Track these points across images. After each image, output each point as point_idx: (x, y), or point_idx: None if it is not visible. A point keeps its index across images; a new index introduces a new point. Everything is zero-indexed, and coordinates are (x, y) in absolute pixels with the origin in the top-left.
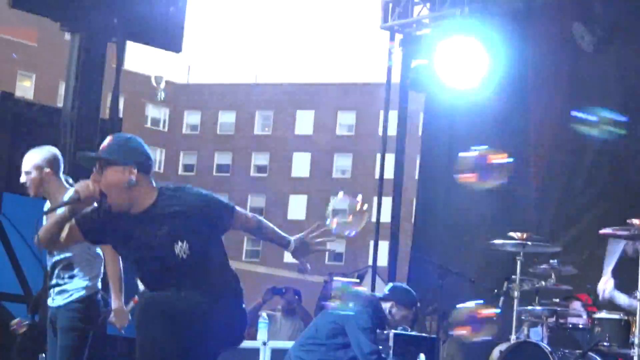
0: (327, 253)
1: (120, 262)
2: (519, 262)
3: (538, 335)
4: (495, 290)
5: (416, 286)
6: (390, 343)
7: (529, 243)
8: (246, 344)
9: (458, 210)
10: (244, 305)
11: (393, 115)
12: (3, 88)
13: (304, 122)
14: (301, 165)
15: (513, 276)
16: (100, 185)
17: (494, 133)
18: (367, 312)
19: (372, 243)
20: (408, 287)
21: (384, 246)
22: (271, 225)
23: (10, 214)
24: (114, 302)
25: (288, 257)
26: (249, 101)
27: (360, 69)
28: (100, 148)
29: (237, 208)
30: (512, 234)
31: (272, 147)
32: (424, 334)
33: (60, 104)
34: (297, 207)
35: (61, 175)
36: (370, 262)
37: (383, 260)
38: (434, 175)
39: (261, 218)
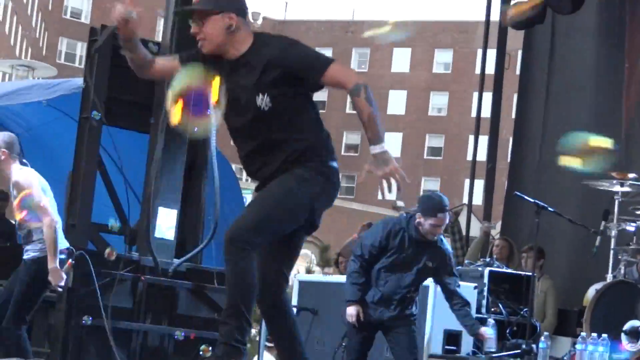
0: (421, 190)
1: (57, 229)
2: (616, 201)
3: (634, 275)
4: (592, 230)
5: (512, 225)
6: (485, 280)
7: (628, 182)
8: (340, 278)
9: (555, 149)
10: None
11: (491, 54)
12: (103, 23)
13: (401, 60)
14: (397, 102)
15: (610, 215)
16: (201, 36)
17: (591, 71)
18: (375, 228)
19: (467, 181)
20: (435, 194)
21: (479, 184)
22: (368, 108)
23: (109, 147)
24: (50, 263)
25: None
26: (345, 38)
27: (458, 6)
28: (194, 1)
29: (332, 66)
30: (611, 173)
31: (368, 84)
32: (519, 271)
33: (159, 40)
34: (393, 144)
35: (16, 156)
36: (465, 200)
37: (478, 199)
38: (531, 114)
39: (362, 92)
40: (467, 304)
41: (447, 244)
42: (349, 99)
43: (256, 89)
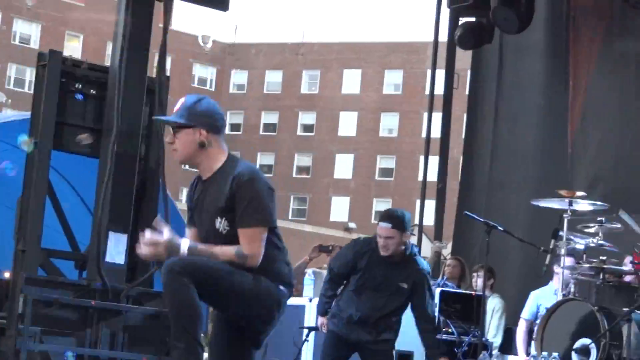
0: (373, 211)
1: None
2: (566, 220)
3: (584, 292)
4: (542, 248)
5: (463, 244)
6: (436, 300)
7: (577, 201)
8: (293, 300)
9: (505, 168)
10: (277, 290)
11: (440, 74)
12: (51, 48)
13: (351, 81)
14: (348, 124)
15: (560, 233)
16: (174, 145)
17: (539, 91)
18: (345, 248)
19: (418, 202)
20: (391, 209)
21: (430, 205)
22: (218, 251)
23: (59, 171)
24: None
25: (334, 216)
26: (295, 60)
27: (407, 27)
28: (174, 110)
29: (250, 231)
30: (559, 191)
31: (318, 106)
32: (469, 291)
33: (107, 64)
34: (343, 166)
35: None
36: (416, 221)
37: (429, 219)
38: (480, 133)
39: (235, 251)
40: (435, 329)
41: (423, 262)
42: (299, 121)
43: (217, 212)
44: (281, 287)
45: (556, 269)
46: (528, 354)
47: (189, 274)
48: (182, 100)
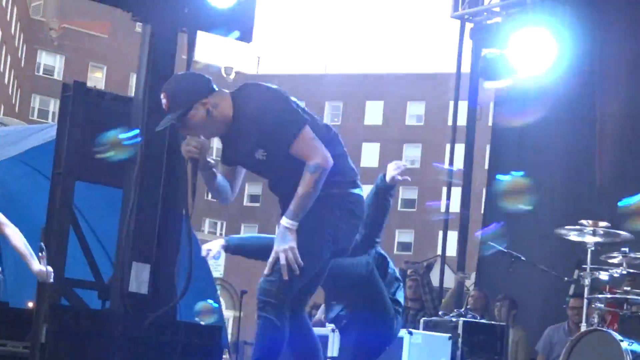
0: (395, 242)
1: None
2: (589, 250)
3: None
4: (566, 279)
5: (486, 275)
6: (459, 330)
7: (600, 231)
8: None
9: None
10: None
11: (463, 106)
12: (75, 79)
13: (373, 113)
14: (370, 155)
15: (584, 265)
16: (193, 133)
17: (564, 122)
18: None
19: (441, 233)
20: None
21: (453, 236)
22: (309, 187)
23: (80, 203)
24: (32, 267)
25: None
26: (318, 92)
27: (429, 58)
28: (164, 107)
29: (300, 135)
30: (582, 221)
31: (341, 137)
32: (493, 322)
33: (131, 95)
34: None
35: None
36: (439, 252)
37: (452, 250)
38: (504, 165)
39: (307, 171)
40: None
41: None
42: None
43: (251, 149)
44: (353, 191)
45: (573, 302)
46: None
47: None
48: (162, 96)
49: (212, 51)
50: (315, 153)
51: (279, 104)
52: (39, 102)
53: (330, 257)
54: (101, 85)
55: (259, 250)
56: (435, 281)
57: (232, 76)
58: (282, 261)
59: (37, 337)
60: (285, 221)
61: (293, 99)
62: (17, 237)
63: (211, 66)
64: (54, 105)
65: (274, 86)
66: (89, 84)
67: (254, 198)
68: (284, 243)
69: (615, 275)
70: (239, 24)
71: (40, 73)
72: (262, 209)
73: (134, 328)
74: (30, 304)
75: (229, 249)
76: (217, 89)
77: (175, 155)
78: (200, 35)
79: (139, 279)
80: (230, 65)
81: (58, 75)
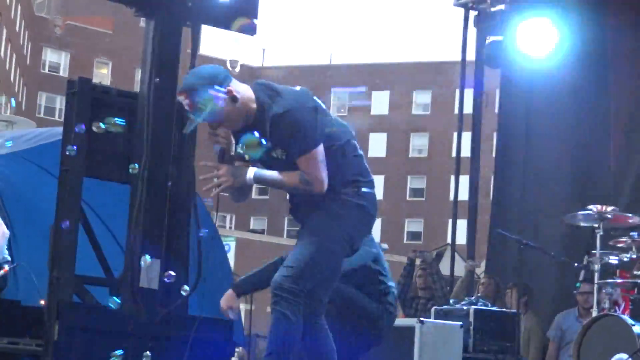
0: (405, 232)
1: None
2: (598, 235)
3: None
4: (576, 264)
5: (497, 262)
6: (471, 318)
7: (609, 216)
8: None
9: (538, 186)
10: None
11: (469, 93)
12: (81, 76)
13: (380, 102)
14: (378, 145)
15: (593, 250)
16: (221, 126)
17: (571, 108)
18: None
19: (450, 221)
20: None
21: (462, 224)
22: (285, 177)
23: (89, 198)
24: None
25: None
26: (324, 82)
27: (434, 47)
28: (186, 107)
29: (310, 153)
30: (591, 206)
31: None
32: (504, 309)
33: (136, 90)
34: (376, 187)
35: None
36: (448, 240)
37: (462, 238)
38: (511, 151)
39: (300, 177)
40: None
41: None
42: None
43: (271, 146)
44: (367, 190)
45: (583, 287)
46: None
47: (298, 288)
48: (182, 98)
49: (216, 44)
50: (316, 175)
51: (306, 115)
52: (45, 99)
53: (346, 256)
54: (107, 81)
55: (269, 278)
56: (446, 270)
57: (237, 69)
58: (216, 181)
59: (49, 334)
60: (253, 171)
61: (318, 101)
62: None
63: (216, 60)
64: (60, 102)
65: (304, 89)
66: (95, 80)
67: (262, 191)
68: (234, 176)
69: (625, 259)
70: (243, 17)
71: (46, 70)
72: (270, 202)
73: (146, 324)
74: (42, 302)
75: (242, 293)
76: (235, 81)
77: (182, 148)
78: (205, 29)
79: (150, 274)
80: (236, 58)
81: (64, 72)
